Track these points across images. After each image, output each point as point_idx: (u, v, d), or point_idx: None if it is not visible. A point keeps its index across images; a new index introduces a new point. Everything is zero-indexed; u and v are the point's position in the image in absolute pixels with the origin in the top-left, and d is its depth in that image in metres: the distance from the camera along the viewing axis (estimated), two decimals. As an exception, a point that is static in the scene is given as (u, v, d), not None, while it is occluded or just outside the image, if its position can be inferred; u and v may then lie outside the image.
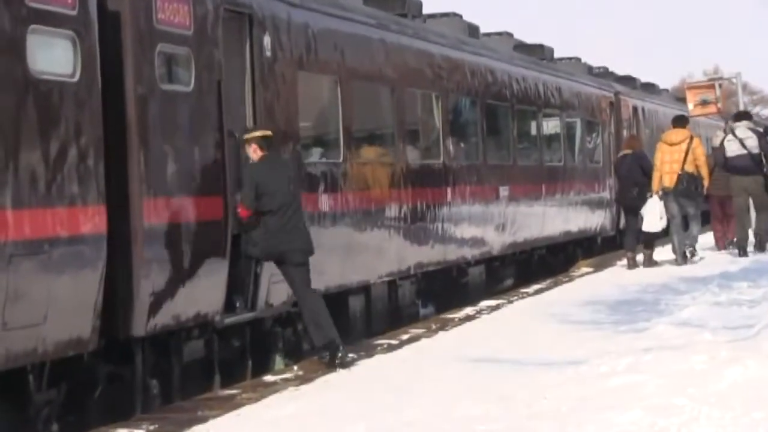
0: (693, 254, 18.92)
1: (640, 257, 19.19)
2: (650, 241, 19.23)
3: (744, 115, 21.00)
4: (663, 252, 19.93)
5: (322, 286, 12.80)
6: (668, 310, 13.13)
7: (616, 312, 13.61)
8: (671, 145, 18.61)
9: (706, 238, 21.23)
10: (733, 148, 19.37)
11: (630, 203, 19.16)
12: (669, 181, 18.42)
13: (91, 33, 8.92)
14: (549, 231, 21.38)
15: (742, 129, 19.62)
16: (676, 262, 18.80)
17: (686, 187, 18.41)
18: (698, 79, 34.84)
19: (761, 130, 20.65)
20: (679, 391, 8.28)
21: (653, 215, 18.20)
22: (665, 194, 18.43)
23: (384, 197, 14.46)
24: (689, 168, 18.35)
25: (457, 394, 8.90)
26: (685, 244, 18.89)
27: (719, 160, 19.80)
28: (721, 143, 19.74)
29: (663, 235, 19.38)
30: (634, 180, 19.02)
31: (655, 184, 18.51)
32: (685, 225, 19.16)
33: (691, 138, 18.75)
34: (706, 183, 18.78)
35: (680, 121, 19.48)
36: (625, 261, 20.04)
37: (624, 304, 14.25)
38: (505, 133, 19.83)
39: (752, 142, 19.29)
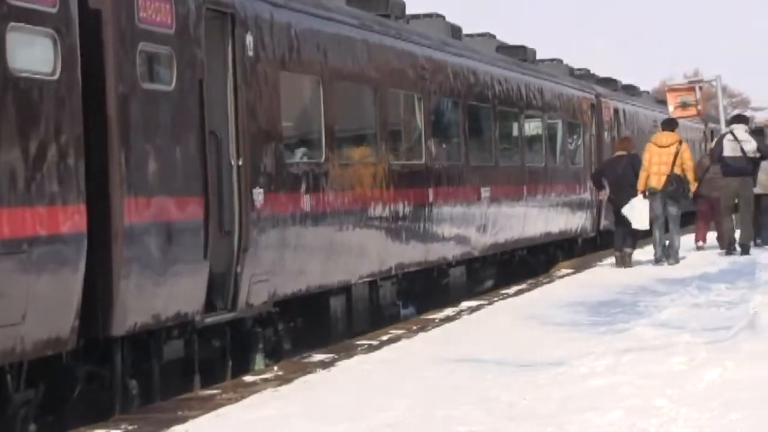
0: (676, 262, 19.17)
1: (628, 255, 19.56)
2: (635, 240, 19.58)
3: (741, 118, 21.28)
4: (643, 252, 20.12)
5: (303, 287, 12.81)
6: (647, 311, 13.17)
7: (596, 313, 13.65)
8: (660, 147, 19.02)
9: (690, 240, 21.43)
10: (730, 149, 19.63)
11: (624, 204, 19.35)
12: (656, 182, 18.82)
13: (71, 31, 8.89)
14: (530, 232, 21.41)
15: (741, 131, 19.86)
16: (656, 262, 19.20)
17: (675, 189, 18.81)
18: (679, 81, 35.01)
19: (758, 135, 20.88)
20: (658, 392, 8.31)
21: (642, 214, 18.51)
22: (651, 194, 18.77)
23: (366, 198, 14.46)
24: (677, 170, 18.78)
25: (437, 395, 8.91)
26: (667, 254, 19.27)
27: (715, 159, 20.12)
28: (720, 141, 20.06)
29: (646, 235, 19.60)
30: (629, 181, 19.24)
31: (641, 184, 18.84)
32: (666, 227, 19.45)
33: (680, 142, 19.21)
34: (692, 187, 19.30)
35: (670, 124, 19.96)
36: (605, 261, 20.34)
37: (604, 306, 14.29)
38: (486, 134, 19.87)
39: (750, 146, 19.61)
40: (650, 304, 13.82)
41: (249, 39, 11.72)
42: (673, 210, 19.14)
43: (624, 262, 19.47)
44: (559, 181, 23.48)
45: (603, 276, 18.55)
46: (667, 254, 19.19)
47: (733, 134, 19.83)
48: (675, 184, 18.81)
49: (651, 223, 18.91)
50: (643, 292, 15.36)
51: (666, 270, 18.30)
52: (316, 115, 13.56)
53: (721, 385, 8.41)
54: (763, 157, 19.86)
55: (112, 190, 9.50)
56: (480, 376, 9.71)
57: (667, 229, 19.35)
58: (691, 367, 9.18)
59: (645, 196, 18.79)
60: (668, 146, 18.94)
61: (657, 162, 18.88)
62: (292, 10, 12.97)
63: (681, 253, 19.54)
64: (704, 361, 9.30)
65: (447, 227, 17.23)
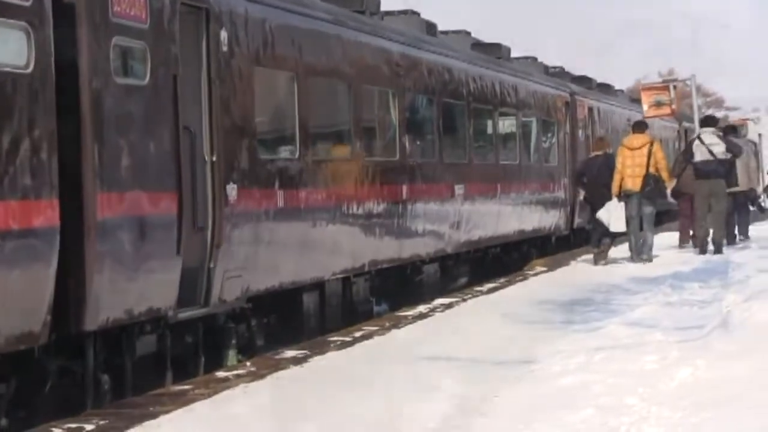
0: (650, 260, 19.34)
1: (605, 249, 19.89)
2: (612, 238, 19.90)
3: (710, 121, 21.46)
4: (618, 251, 20.24)
5: (276, 283, 12.79)
6: (620, 310, 13.21)
7: (569, 311, 13.68)
8: (632, 149, 19.36)
9: (665, 238, 21.58)
10: (700, 153, 19.90)
11: (600, 203, 19.54)
12: (632, 184, 19.15)
13: (45, 24, 8.85)
14: (504, 230, 21.44)
15: (708, 135, 20.10)
16: (631, 260, 19.46)
17: (652, 189, 19.15)
18: (653, 80, 35.13)
19: (722, 133, 21.02)
20: (630, 390, 8.34)
21: (618, 217, 18.83)
22: (627, 196, 19.11)
23: (340, 194, 14.45)
24: (652, 170, 19.13)
25: (409, 392, 8.91)
26: (641, 251, 19.52)
27: (680, 161, 20.44)
28: (689, 148, 20.42)
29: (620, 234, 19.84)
30: (603, 181, 19.54)
31: (615, 187, 19.21)
32: (641, 226, 19.69)
33: (652, 142, 19.53)
34: (668, 184, 19.80)
35: (640, 126, 20.37)
36: (579, 259, 20.56)
37: (577, 304, 14.33)
38: (461, 131, 19.88)
39: (719, 149, 19.85)
40: (623, 303, 13.87)
41: (223, 34, 11.70)
42: (648, 209, 19.41)
43: (601, 257, 19.76)
44: (533, 179, 23.52)
45: (576, 274, 18.62)
46: (640, 250, 19.40)
47: (700, 139, 20.10)
48: (652, 184, 19.09)
49: (627, 224, 19.19)
50: (616, 290, 15.41)
51: (639, 269, 18.40)
52: (291, 111, 13.54)
53: (692, 384, 8.45)
54: (734, 157, 20.11)
55: (85, 184, 9.45)
56: (452, 373, 9.73)
57: (642, 228, 19.59)
58: (663, 365, 9.22)
59: (620, 199, 19.09)
60: (640, 148, 19.26)
61: (631, 164, 19.19)
62: (267, 6, 12.94)
63: (656, 252, 19.73)
64: (676, 360, 9.34)
65: (421, 224, 17.23)
